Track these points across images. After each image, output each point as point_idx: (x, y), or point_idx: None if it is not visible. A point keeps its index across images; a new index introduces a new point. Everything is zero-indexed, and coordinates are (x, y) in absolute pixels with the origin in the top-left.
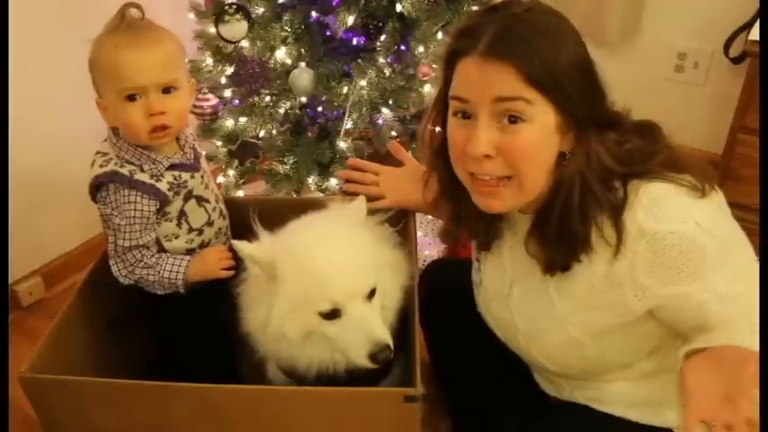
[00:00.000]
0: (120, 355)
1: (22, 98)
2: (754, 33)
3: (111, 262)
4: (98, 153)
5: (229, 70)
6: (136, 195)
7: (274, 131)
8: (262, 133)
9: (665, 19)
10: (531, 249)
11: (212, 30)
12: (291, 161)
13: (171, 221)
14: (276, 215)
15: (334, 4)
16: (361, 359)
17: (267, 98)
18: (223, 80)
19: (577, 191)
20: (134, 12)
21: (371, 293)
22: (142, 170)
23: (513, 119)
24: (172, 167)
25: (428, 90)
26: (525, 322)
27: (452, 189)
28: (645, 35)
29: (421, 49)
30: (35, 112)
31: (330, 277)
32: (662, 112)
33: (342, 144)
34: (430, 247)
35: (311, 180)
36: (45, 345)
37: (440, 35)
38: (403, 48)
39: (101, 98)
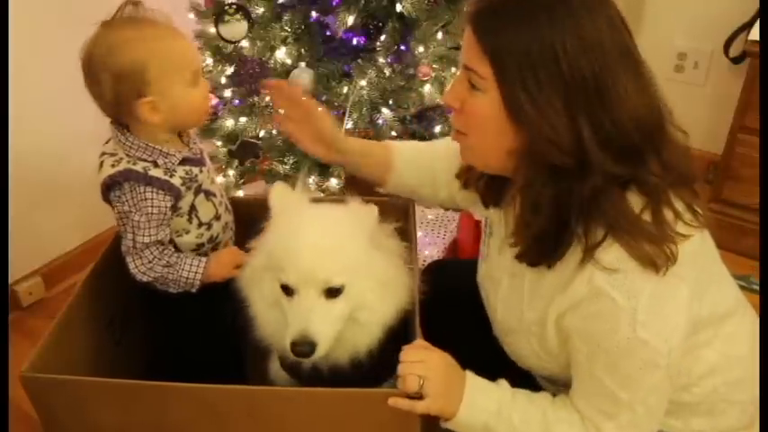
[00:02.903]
0: (120, 355)
1: (22, 98)
2: (754, 33)
3: (129, 259)
4: (104, 154)
5: (229, 70)
6: (152, 192)
7: (274, 131)
8: (262, 133)
9: (665, 19)
10: (509, 232)
11: (212, 30)
12: (291, 161)
13: (182, 216)
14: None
15: (334, 4)
16: (287, 344)
17: (267, 98)
18: (223, 80)
19: (534, 188)
20: (137, 8)
21: (334, 292)
22: (156, 165)
23: (473, 85)
24: (183, 162)
25: (428, 90)
26: (503, 316)
27: None
28: (645, 35)
29: (421, 49)
30: (35, 112)
31: (295, 255)
32: None
33: None
34: (430, 247)
35: (311, 180)
36: (45, 344)
37: (440, 35)
38: (403, 48)
39: (154, 96)
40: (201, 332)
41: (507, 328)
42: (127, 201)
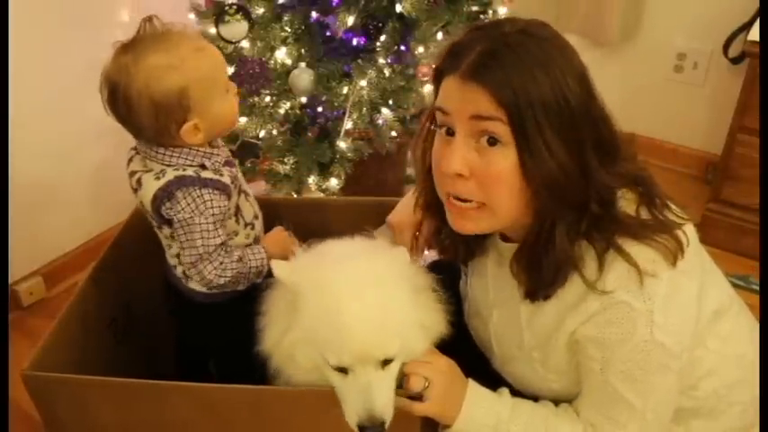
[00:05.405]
0: (121, 355)
1: (23, 98)
2: (754, 34)
3: (201, 266)
4: (137, 173)
5: (229, 70)
6: (210, 193)
7: (274, 131)
8: (262, 133)
9: (664, 19)
10: (515, 272)
11: (212, 30)
12: (291, 161)
13: (231, 218)
14: (276, 215)
15: (334, 4)
16: (351, 422)
17: (267, 98)
18: None
19: (548, 224)
20: (155, 23)
21: (389, 360)
22: (204, 168)
23: (493, 140)
24: (224, 163)
25: (428, 90)
26: (499, 347)
27: (438, 205)
28: (645, 35)
29: (421, 49)
30: (35, 112)
31: (348, 336)
32: (662, 112)
33: (342, 144)
34: None
35: (311, 180)
36: (46, 344)
37: (440, 35)
38: (403, 48)
39: (195, 118)
40: (228, 339)
41: (507, 358)
42: (184, 208)
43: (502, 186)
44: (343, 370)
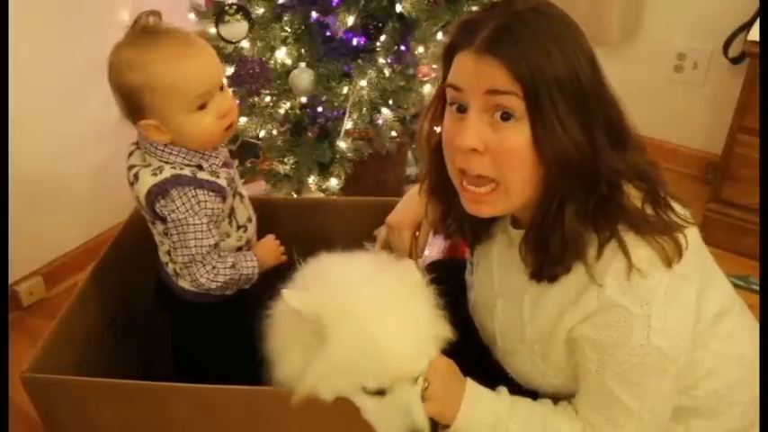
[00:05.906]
0: (121, 355)
1: (23, 98)
2: (754, 34)
3: (194, 269)
4: (135, 167)
5: (229, 70)
6: (205, 194)
7: (274, 131)
8: (262, 133)
9: (664, 19)
10: (523, 254)
11: (212, 30)
12: (291, 161)
13: (224, 220)
14: (275, 215)
15: (334, 4)
16: None
17: (267, 98)
18: (223, 80)
19: (557, 203)
20: (155, 19)
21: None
22: (201, 168)
23: (506, 115)
24: (223, 164)
25: (428, 90)
26: (502, 340)
27: (445, 188)
28: (645, 35)
29: (421, 49)
30: (36, 111)
31: (387, 356)
32: (662, 112)
33: (342, 144)
34: (430, 247)
35: (311, 180)
36: (46, 344)
37: (440, 35)
38: (403, 48)
39: (153, 119)
40: (219, 338)
41: (509, 350)
42: (179, 207)
43: (515, 161)
44: (378, 392)
